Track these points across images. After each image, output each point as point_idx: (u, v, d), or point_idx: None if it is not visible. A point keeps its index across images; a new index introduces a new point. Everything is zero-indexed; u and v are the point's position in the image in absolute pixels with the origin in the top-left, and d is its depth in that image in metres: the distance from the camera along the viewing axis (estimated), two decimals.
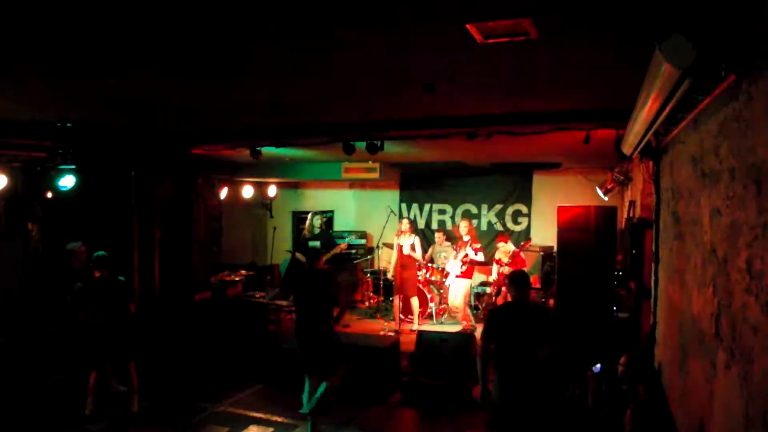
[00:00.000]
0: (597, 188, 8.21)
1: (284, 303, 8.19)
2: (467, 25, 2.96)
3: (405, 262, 9.04)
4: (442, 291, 9.95)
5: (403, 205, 12.17)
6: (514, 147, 7.60)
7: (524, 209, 11.20)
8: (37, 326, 7.27)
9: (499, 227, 11.17)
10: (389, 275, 10.34)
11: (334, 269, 10.51)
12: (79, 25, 3.06)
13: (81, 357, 6.20)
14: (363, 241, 11.79)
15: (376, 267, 11.02)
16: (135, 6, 2.79)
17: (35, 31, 3.15)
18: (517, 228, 11.11)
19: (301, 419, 5.67)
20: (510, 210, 11.30)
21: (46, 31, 3.18)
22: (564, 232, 6.95)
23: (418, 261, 9.30)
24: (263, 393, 6.61)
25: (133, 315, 6.07)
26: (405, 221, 9.36)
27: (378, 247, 10.47)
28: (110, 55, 3.64)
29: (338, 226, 12.61)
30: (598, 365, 4.64)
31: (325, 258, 8.84)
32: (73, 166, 7.27)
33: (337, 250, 9.25)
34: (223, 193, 10.77)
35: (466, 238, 8.87)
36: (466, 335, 7.60)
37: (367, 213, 12.39)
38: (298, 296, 5.63)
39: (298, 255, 8.91)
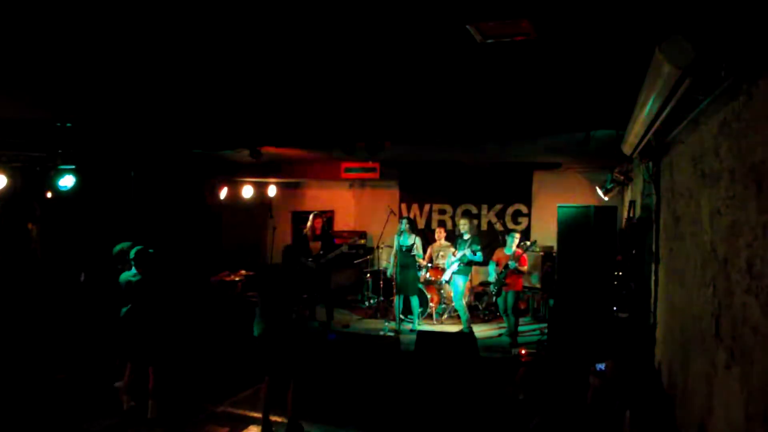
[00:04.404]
0: (597, 188, 8.20)
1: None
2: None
3: (405, 262, 9.04)
4: (442, 291, 9.95)
5: (403, 205, 12.17)
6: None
7: (524, 209, 11.20)
8: (38, 326, 7.26)
9: (499, 227, 11.17)
10: (389, 275, 10.34)
11: (335, 269, 10.59)
12: None
13: (119, 348, 6.09)
14: (363, 241, 11.78)
15: (376, 267, 11.02)
16: None
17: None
18: (517, 228, 11.10)
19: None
20: (510, 210, 11.30)
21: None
22: (564, 232, 6.95)
23: (418, 261, 9.30)
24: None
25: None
26: (405, 221, 9.35)
27: (378, 247, 10.47)
28: None
29: (338, 226, 12.60)
30: (600, 365, 4.64)
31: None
32: (73, 166, 7.26)
33: (337, 252, 9.26)
34: (223, 193, 10.76)
35: (467, 237, 8.85)
36: (466, 335, 7.60)
37: (367, 213, 12.39)
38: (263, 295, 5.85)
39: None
